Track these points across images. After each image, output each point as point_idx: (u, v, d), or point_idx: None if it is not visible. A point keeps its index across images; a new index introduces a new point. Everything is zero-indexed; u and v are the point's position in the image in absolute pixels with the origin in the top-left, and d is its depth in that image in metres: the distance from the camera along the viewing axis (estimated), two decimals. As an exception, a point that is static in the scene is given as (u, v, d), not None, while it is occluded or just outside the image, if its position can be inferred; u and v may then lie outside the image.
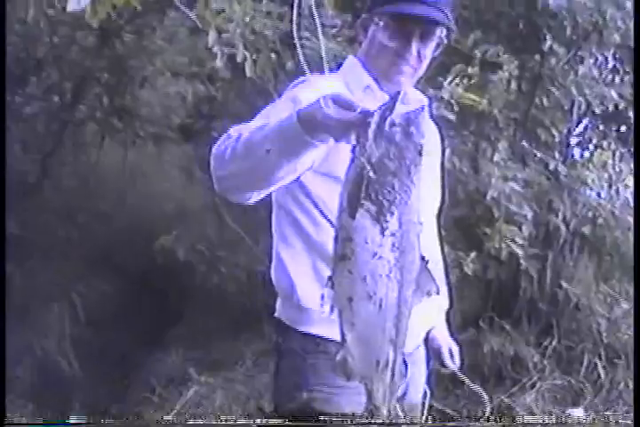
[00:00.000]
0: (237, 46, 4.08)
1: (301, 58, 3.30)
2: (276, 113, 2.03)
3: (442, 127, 2.73)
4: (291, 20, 3.72)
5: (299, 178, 2.12)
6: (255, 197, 2.09)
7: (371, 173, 1.67)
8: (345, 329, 1.75)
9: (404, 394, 2.39)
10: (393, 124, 1.69)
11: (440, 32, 2.34)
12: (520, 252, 4.97)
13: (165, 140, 6.56)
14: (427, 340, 2.61)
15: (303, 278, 2.33)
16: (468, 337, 5.16)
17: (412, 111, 1.72)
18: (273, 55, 4.26)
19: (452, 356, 2.70)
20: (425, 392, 2.61)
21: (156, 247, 5.75)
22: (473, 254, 4.91)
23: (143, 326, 5.68)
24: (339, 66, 2.57)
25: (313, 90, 2.17)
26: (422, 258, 1.74)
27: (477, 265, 4.99)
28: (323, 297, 1.73)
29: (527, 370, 5.21)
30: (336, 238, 1.74)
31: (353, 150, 1.72)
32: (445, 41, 2.37)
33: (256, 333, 5.29)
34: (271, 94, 4.47)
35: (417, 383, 2.55)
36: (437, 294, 1.76)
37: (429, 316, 2.54)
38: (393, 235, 1.68)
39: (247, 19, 4.00)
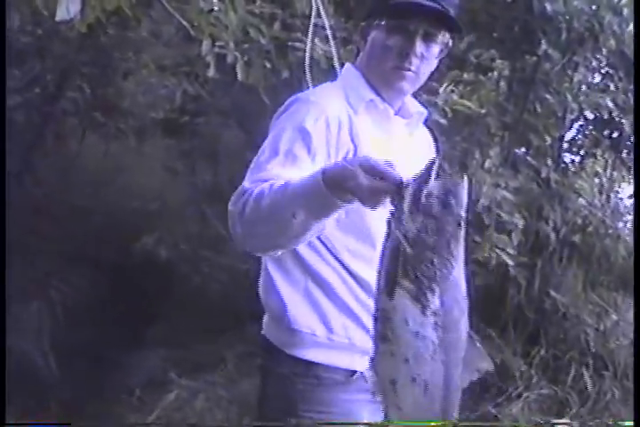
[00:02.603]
0: (229, 50, 4.01)
1: (307, 67, 3.20)
2: (287, 147, 1.99)
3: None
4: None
5: None
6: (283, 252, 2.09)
7: (408, 249, 1.58)
8: (391, 413, 1.67)
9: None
10: (430, 196, 1.59)
11: (444, 35, 2.22)
12: (509, 260, 4.91)
13: (148, 135, 6.46)
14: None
15: (295, 300, 2.23)
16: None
17: (452, 181, 1.62)
18: (266, 62, 4.17)
19: None
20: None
21: (137, 245, 5.66)
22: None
23: (123, 326, 5.58)
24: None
25: (316, 116, 2.10)
26: (470, 336, 1.65)
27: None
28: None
29: (514, 379, 5.15)
30: (375, 319, 1.66)
31: (388, 225, 1.63)
32: (450, 44, 2.26)
33: (238, 335, 5.21)
34: (259, 95, 4.40)
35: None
36: (491, 369, 1.69)
37: None
38: (435, 314, 1.60)
39: (240, 24, 3.90)
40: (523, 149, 5.30)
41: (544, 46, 5.12)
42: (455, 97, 4.48)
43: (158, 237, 5.65)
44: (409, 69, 2.20)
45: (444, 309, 1.60)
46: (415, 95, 2.51)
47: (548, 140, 5.41)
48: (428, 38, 2.19)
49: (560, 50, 5.17)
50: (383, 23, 2.22)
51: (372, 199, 1.68)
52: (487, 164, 4.99)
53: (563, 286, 5.48)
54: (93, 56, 6.16)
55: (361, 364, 2.16)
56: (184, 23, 3.96)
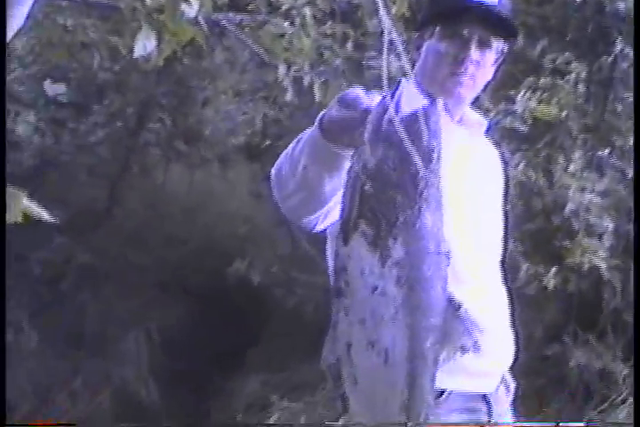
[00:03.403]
0: (305, 72, 4.06)
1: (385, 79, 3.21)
2: None
3: (514, 140, 2.59)
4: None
5: None
6: (321, 223, 1.93)
7: (366, 186, 1.37)
8: (347, 386, 1.44)
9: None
10: (391, 122, 1.37)
11: (499, 41, 2.18)
12: (602, 264, 4.84)
13: (231, 161, 6.56)
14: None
15: None
16: (552, 352, 5.05)
17: (422, 108, 1.43)
18: (343, 82, 4.20)
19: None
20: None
21: (229, 270, 5.72)
22: (554, 269, 4.80)
23: (221, 351, 5.66)
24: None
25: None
26: (450, 301, 1.41)
27: (558, 279, 4.87)
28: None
29: (617, 385, 5.06)
30: (332, 270, 1.46)
31: (351, 158, 1.47)
32: (506, 51, 2.22)
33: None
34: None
35: (504, 421, 2.42)
36: (476, 351, 1.44)
37: (509, 349, 2.38)
38: (397, 264, 1.36)
39: (314, 46, 3.94)
40: (606, 151, 5.22)
41: (619, 45, 5.05)
42: (533, 103, 4.45)
43: (250, 261, 5.70)
44: (465, 75, 2.16)
45: (410, 261, 1.37)
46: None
47: (632, 140, 5.33)
48: (483, 44, 2.16)
49: (636, 47, 5.10)
50: (437, 30, 2.18)
51: (348, 134, 1.60)
52: (571, 168, 4.93)
53: (659, 286, 5.37)
54: (171, 87, 6.29)
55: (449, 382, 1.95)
56: (258, 50, 4.02)
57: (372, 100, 1.56)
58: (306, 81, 4.26)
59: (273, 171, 1.92)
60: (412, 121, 1.38)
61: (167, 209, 6.86)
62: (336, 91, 4.37)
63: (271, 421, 5.15)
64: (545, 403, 4.70)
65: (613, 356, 5.18)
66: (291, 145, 1.90)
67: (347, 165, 1.61)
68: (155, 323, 6.02)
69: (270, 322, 5.97)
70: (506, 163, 2.52)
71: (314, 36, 4.18)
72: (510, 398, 2.47)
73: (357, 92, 1.64)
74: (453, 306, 1.41)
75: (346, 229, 1.38)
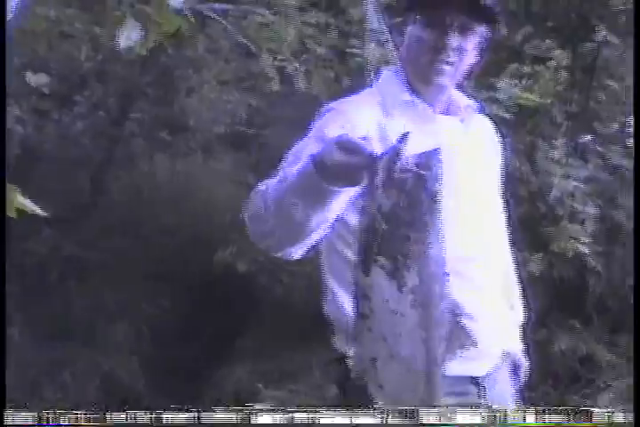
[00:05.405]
0: (289, 62, 4.06)
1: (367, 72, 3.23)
2: (305, 155, 1.89)
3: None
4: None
5: (340, 216, 1.96)
6: (297, 253, 1.97)
7: (382, 226, 1.54)
8: (373, 392, 1.63)
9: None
10: (403, 170, 1.54)
11: (481, 27, 2.18)
12: (586, 250, 4.87)
13: (215, 150, 6.56)
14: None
15: None
16: (537, 338, 5.08)
17: (426, 153, 1.57)
18: (327, 71, 4.21)
19: (517, 373, 2.59)
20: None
21: (215, 259, 5.72)
22: (538, 255, 4.83)
23: (208, 340, 5.67)
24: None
25: (341, 124, 2.03)
26: (453, 311, 1.60)
27: (543, 265, 4.91)
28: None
29: (601, 369, 5.10)
30: (354, 296, 1.62)
31: (363, 199, 1.60)
32: (489, 36, 2.21)
33: (322, 342, 5.23)
34: (322, 103, 4.44)
35: (504, 403, 2.44)
36: (475, 346, 1.63)
37: (504, 333, 2.43)
38: (412, 291, 1.55)
39: (297, 35, 3.94)
40: (590, 138, 5.25)
41: (602, 32, 5.07)
42: (516, 91, 4.47)
43: (236, 249, 5.70)
44: (446, 63, 2.16)
45: (422, 286, 1.56)
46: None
47: (615, 126, 5.36)
48: (465, 31, 2.16)
49: (619, 34, 5.12)
50: (418, 17, 2.18)
51: (353, 177, 1.65)
52: (555, 155, 4.95)
53: (642, 272, 5.41)
54: (155, 77, 6.27)
55: None
56: (242, 40, 4.01)
57: (370, 143, 1.65)
58: (290, 70, 4.26)
59: (247, 212, 1.92)
60: (418, 166, 1.55)
61: (153, 199, 6.84)
62: (320, 79, 4.39)
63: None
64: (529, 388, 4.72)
65: (598, 341, 5.22)
66: (263, 184, 1.91)
67: (338, 201, 1.76)
68: (143, 313, 6.02)
69: (257, 310, 5.97)
70: (504, 137, 2.51)
71: (297, 26, 4.17)
72: (522, 378, 2.48)
73: (353, 136, 1.68)
74: (455, 315, 1.60)
75: (366, 262, 1.56)
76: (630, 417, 1.87)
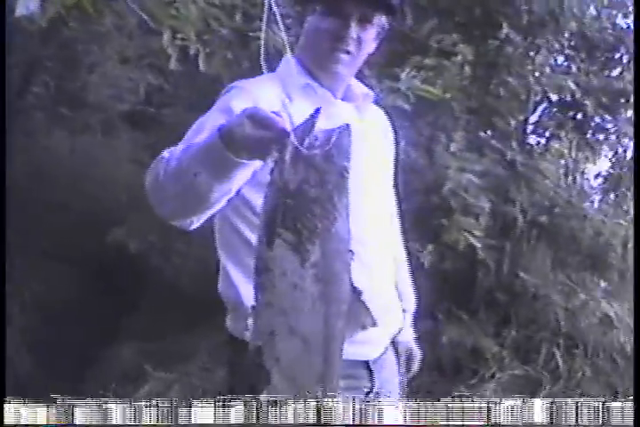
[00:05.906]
0: (191, 41, 4.01)
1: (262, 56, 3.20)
2: (210, 126, 1.90)
3: (396, 118, 2.64)
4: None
5: (239, 191, 1.98)
6: (196, 223, 1.97)
7: (288, 200, 1.54)
8: (268, 365, 1.64)
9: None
10: (312, 147, 1.55)
11: (380, 17, 2.22)
12: (477, 243, 4.93)
13: (114, 128, 6.46)
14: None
15: (250, 290, 2.22)
16: (425, 328, 5.13)
17: (335, 129, 1.59)
18: (228, 53, 4.17)
19: (410, 362, 2.63)
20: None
21: (108, 238, 5.65)
22: (430, 246, 4.88)
23: (96, 320, 5.59)
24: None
25: (247, 99, 2.05)
26: (354, 289, 1.62)
27: (434, 256, 4.96)
28: (247, 327, 1.63)
29: (486, 361, 5.18)
30: (255, 269, 1.62)
31: (271, 173, 1.59)
32: (387, 26, 2.26)
33: (212, 325, 5.21)
34: (222, 85, 4.40)
35: (390, 388, 2.46)
36: (374, 326, 1.65)
37: (394, 320, 2.45)
38: (315, 266, 1.56)
39: (201, 15, 3.89)
40: (487, 133, 5.32)
41: (505, 30, 5.14)
42: (418, 82, 4.49)
43: (128, 229, 5.64)
44: (345, 52, 2.20)
45: (325, 261, 1.57)
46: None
47: (513, 122, 5.44)
48: (364, 21, 2.19)
49: (522, 33, 5.19)
50: (318, 7, 2.20)
51: (261, 150, 1.65)
52: (452, 148, 5.01)
53: (532, 266, 5.50)
54: (57, 50, 6.15)
55: None
56: (144, 16, 3.95)
57: (283, 119, 1.63)
58: (192, 50, 4.20)
59: (148, 176, 1.90)
60: (327, 142, 1.56)
61: (50, 175, 6.72)
62: (221, 61, 4.34)
63: (144, 390, 5.12)
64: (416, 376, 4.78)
65: (484, 333, 5.30)
66: (168, 152, 1.90)
67: (242, 173, 1.77)
68: (30, 290, 5.91)
69: (147, 291, 5.91)
70: (396, 132, 2.55)
71: (202, 5, 4.12)
72: (412, 366, 2.60)
73: (265, 110, 1.66)
74: (357, 293, 1.62)
75: (269, 235, 1.56)
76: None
